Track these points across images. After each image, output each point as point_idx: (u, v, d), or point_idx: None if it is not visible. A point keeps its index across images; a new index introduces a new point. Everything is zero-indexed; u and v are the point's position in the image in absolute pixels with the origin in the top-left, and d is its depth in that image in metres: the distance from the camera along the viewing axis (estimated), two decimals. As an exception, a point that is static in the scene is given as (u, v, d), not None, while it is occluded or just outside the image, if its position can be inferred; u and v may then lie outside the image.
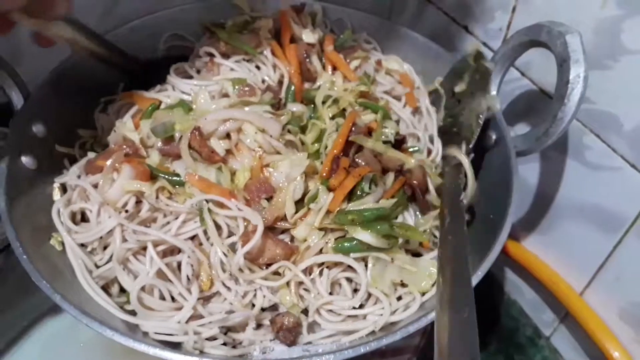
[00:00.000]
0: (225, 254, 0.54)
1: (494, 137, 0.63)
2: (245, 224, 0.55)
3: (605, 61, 0.61)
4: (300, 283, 0.55)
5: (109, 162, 0.58)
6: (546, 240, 0.77)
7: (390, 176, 0.61)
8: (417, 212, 0.61)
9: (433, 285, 0.55)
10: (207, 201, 0.55)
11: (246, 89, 0.65)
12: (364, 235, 0.54)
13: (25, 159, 0.57)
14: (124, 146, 0.60)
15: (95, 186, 0.57)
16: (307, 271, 0.55)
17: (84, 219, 0.59)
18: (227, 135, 0.60)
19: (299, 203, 0.58)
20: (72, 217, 0.58)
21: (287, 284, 0.55)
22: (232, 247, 0.54)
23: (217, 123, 0.59)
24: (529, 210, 0.79)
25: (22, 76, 0.61)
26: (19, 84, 0.60)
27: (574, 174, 0.70)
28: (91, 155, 0.61)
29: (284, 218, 0.57)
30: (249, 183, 0.58)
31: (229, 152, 0.60)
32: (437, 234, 0.60)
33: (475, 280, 0.50)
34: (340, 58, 0.71)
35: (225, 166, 0.59)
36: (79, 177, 0.60)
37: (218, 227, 0.55)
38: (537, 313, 0.82)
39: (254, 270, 0.54)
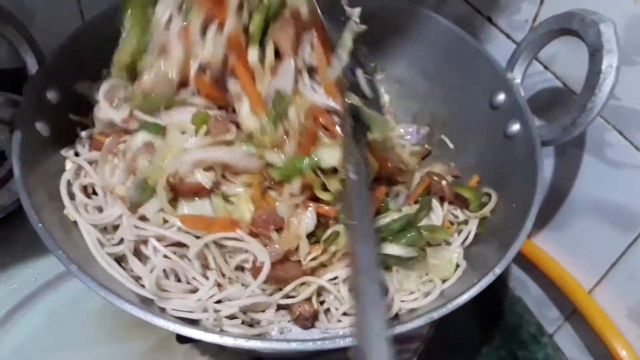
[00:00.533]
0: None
1: (518, 125, 0.62)
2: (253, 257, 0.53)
3: (634, 57, 0.60)
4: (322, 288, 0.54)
5: (102, 151, 0.56)
6: (557, 236, 0.77)
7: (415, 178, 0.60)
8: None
9: (455, 272, 0.55)
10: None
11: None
12: (394, 249, 0.54)
13: (39, 125, 0.55)
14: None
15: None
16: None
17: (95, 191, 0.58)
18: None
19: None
20: (84, 189, 0.56)
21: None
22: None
23: (193, 165, 0.53)
24: (542, 206, 0.78)
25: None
26: (34, 49, 0.57)
27: (592, 170, 0.69)
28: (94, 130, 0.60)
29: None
30: (255, 216, 0.54)
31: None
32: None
33: (500, 269, 0.49)
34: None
35: (216, 195, 0.55)
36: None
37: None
38: (542, 310, 0.81)
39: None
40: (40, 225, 0.46)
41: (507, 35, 0.77)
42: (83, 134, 0.60)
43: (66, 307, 0.64)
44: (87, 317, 0.63)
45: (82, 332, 0.62)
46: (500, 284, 0.86)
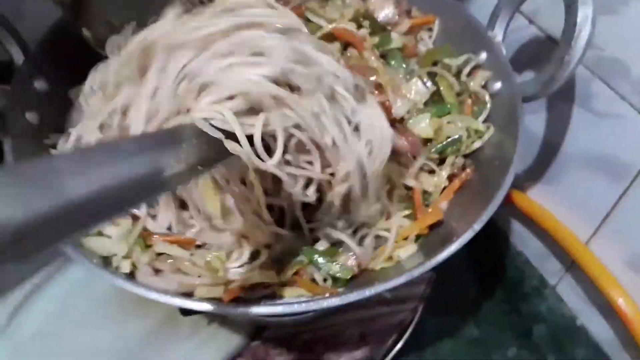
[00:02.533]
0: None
1: (500, 83, 0.62)
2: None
3: (615, 6, 0.60)
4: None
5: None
6: (552, 190, 0.77)
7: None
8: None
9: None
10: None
11: None
12: None
13: (29, 115, 0.56)
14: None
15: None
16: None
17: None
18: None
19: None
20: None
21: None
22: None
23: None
24: (535, 160, 0.78)
25: (25, 32, 0.60)
26: (19, 41, 0.59)
27: (581, 122, 0.69)
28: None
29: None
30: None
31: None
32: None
33: (479, 225, 0.50)
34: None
35: None
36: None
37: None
38: (543, 263, 0.82)
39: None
40: None
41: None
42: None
43: (77, 289, 0.67)
44: (100, 296, 0.66)
45: (94, 312, 0.65)
46: (501, 240, 0.87)
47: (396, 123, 0.59)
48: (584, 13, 0.54)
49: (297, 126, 0.44)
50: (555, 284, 0.81)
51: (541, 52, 0.72)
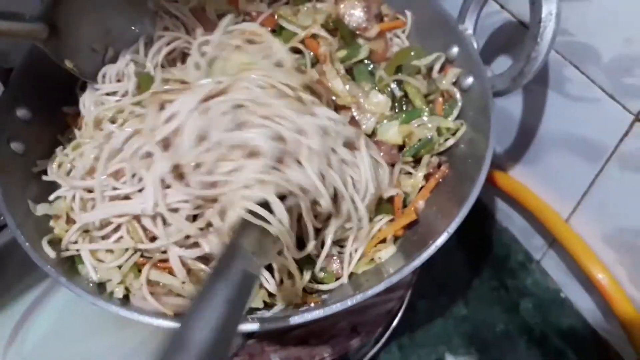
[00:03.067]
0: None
1: (471, 78, 0.63)
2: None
3: (583, -8, 0.60)
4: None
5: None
6: (532, 169, 0.79)
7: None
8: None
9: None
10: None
11: None
12: None
13: (14, 145, 0.58)
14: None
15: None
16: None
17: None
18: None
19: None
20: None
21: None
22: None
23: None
24: (515, 141, 0.80)
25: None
26: (-5, 71, 0.60)
27: (556, 105, 0.71)
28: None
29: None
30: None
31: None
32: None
33: (453, 228, 0.52)
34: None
35: None
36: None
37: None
38: (527, 239, 0.85)
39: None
40: (27, 244, 0.51)
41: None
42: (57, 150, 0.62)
43: (75, 300, 0.69)
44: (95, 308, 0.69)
45: (92, 321, 0.68)
46: (487, 218, 0.90)
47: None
48: (548, 9, 0.54)
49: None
50: (539, 258, 0.84)
51: (513, 36, 0.72)
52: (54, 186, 0.59)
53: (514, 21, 0.71)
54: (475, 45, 0.65)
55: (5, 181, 0.55)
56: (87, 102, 0.62)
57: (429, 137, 0.61)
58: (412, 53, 0.65)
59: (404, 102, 0.64)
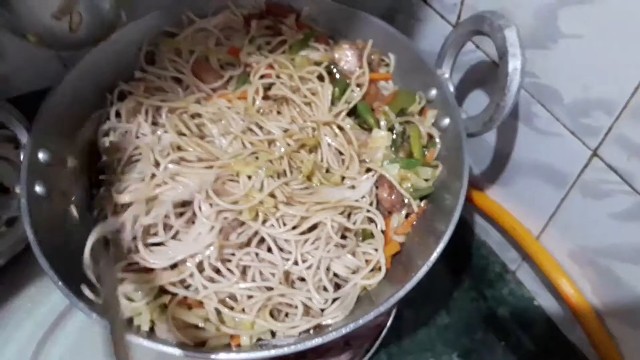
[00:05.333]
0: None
1: (448, 119, 0.71)
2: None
3: (546, 42, 0.67)
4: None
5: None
6: (507, 191, 0.86)
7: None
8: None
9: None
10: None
11: None
12: None
13: (38, 188, 0.63)
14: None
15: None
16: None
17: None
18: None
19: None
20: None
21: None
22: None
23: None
24: (491, 165, 0.87)
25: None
26: (19, 119, 0.66)
27: (526, 137, 0.78)
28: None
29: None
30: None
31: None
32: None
33: (432, 261, 0.59)
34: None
35: None
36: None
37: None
38: (503, 252, 0.93)
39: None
40: (60, 283, 0.56)
41: (442, 17, 0.83)
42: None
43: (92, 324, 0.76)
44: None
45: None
46: (467, 232, 0.97)
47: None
48: (514, 65, 0.61)
49: None
50: (515, 269, 0.92)
51: (487, 73, 0.79)
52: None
53: (487, 60, 0.78)
54: (452, 89, 0.72)
55: (36, 225, 0.60)
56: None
57: (423, 186, 0.69)
58: (416, 97, 0.73)
59: (400, 143, 0.72)
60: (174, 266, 0.61)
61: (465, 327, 0.89)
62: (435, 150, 0.71)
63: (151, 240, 0.62)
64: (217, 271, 0.60)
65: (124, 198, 0.62)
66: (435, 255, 0.59)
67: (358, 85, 0.73)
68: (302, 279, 0.63)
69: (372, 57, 0.77)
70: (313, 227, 0.63)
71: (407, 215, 0.69)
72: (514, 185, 0.85)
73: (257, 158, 0.66)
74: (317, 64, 0.73)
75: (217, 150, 0.66)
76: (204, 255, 0.59)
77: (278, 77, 0.72)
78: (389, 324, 0.81)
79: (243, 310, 0.60)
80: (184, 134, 0.67)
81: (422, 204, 0.69)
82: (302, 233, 0.62)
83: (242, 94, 0.72)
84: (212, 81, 0.71)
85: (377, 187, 0.68)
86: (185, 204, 0.62)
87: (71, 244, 0.62)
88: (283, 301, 0.61)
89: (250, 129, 0.69)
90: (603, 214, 0.69)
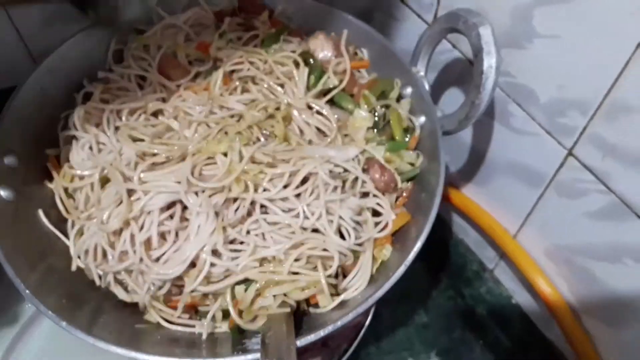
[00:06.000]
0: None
1: (424, 117, 0.70)
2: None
3: (522, 42, 0.67)
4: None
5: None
6: (484, 190, 0.86)
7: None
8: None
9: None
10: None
11: None
12: None
13: (3, 192, 0.61)
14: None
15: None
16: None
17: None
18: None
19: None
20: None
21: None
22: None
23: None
24: (467, 164, 0.87)
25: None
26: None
27: (502, 136, 0.78)
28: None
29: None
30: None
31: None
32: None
33: (409, 261, 0.59)
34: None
35: None
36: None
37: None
38: (481, 250, 0.93)
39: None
40: (27, 292, 0.55)
41: (419, 16, 0.83)
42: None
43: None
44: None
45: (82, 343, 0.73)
46: (445, 230, 0.97)
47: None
48: (489, 63, 0.61)
49: None
50: (492, 268, 0.92)
51: (463, 72, 0.79)
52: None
53: (464, 59, 0.78)
54: (427, 87, 0.71)
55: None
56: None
57: (407, 169, 0.69)
58: (394, 84, 0.73)
59: (382, 126, 0.71)
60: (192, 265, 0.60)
61: (444, 326, 0.89)
62: (416, 137, 0.71)
63: (156, 254, 0.60)
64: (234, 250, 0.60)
65: (113, 226, 0.60)
66: (412, 254, 0.59)
67: (335, 74, 0.72)
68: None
69: (349, 48, 0.76)
70: (305, 181, 0.62)
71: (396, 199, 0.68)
72: (490, 184, 0.85)
73: (226, 133, 0.65)
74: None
75: (184, 142, 0.65)
76: (212, 242, 0.59)
77: (251, 62, 0.71)
78: (367, 323, 0.81)
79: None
80: (141, 139, 0.65)
81: (409, 184, 0.68)
82: (297, 188, 0.61)
83: (208, 85, 0.70)
84: (179, 77, 0.70)
85: (366, 171, 0.67)
86: (171, 205, 0.61)
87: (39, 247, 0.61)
88: (314, 254, 0.60)
89: (213, 112, 0.68)
90: (579, 213, 0.70)
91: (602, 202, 0.66)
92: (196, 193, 0.60)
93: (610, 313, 0.72)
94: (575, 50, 0.61)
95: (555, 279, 0.79)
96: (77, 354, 0.72)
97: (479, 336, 0.88)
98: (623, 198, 0.63)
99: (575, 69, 0.62)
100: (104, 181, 0.63)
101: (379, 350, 0.86)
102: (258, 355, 0.52)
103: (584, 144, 0.65)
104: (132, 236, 0.60)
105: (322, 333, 0.55)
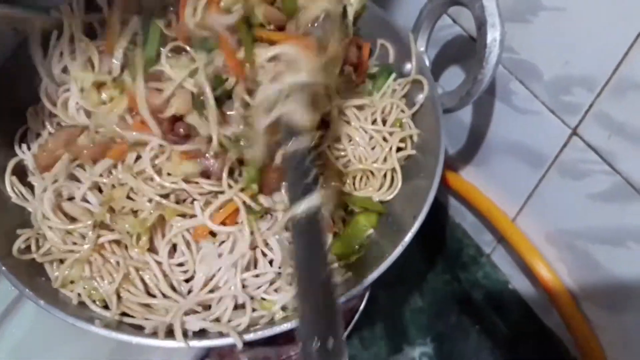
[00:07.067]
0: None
1: (423, 94, 0.68)
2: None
3: (526, 15, 0.64)
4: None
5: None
6: (482, 172, 0.84)
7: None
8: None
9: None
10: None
11: None
12: None
13: None
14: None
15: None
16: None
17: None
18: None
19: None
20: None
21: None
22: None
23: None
24: (465, 145, 0.85)
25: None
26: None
27: (503, 115, 0.75)
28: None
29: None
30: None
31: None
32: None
33: (403, 245, 0.57)
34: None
35: None
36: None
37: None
38: (478, 234, 0.91)
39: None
40: (3, 268, 0.53)
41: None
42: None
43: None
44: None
45: (64, 328, 0.70)
46: (441, 214, 0.95)
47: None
48: (493, 36, 0.58)
49: None
50: (490, 252, 0.90)
51: (464, 48, 0.76)
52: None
53: (465, 35, 0.75)
54: (427, 63, 0.68)
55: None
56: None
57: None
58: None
59: None
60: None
61: (439, 311, 0.87)
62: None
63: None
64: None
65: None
66: (409, 235, 0.56)
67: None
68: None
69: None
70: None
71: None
72: (489, 165, 0.82)
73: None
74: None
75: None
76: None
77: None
78: (361, 307, 0.79)
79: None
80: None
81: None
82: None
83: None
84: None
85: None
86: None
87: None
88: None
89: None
90: (581, 195, 0.67)
91: (606, 183, 0.64)
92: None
93: (611, 298, 0.70)
94: (582, 24, 0.59)
95: (555, 264, 0.77)
96: (61, 338, 0.71)
97: (475, 322, 0.87)
98: (629, 179, 0.61)
99: (582, 44, 0.60)
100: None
101: (373, 334, 0.84)
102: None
103: (589, 123, 0.63)
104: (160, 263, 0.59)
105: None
